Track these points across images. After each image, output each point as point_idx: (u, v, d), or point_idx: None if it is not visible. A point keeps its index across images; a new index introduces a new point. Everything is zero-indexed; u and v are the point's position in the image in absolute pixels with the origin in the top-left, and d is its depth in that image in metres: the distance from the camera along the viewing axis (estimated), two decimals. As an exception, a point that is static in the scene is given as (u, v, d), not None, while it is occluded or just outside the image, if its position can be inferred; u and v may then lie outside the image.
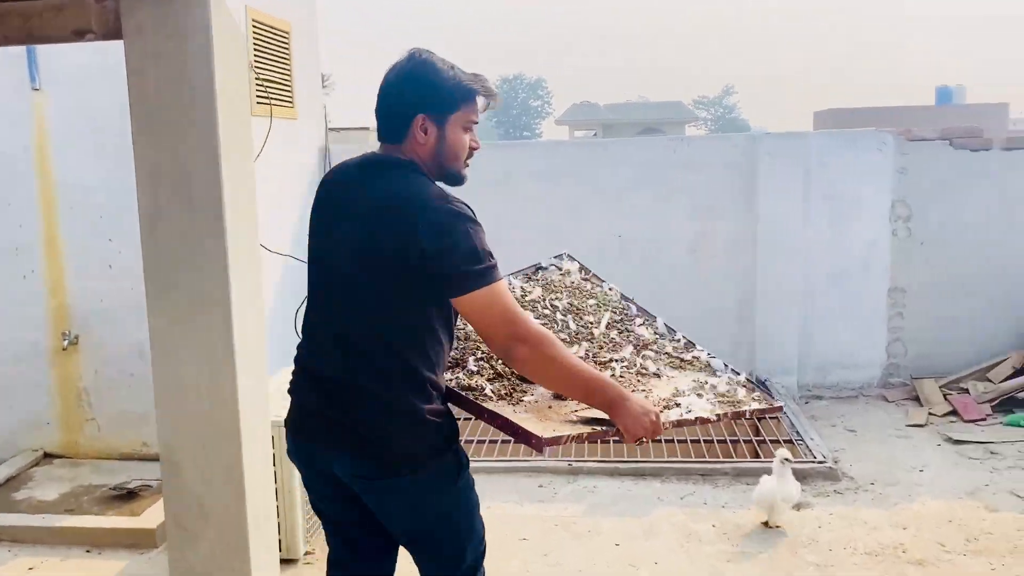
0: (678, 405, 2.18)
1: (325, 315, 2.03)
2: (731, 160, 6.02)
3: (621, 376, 2.29)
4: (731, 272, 6.16)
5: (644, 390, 2.24)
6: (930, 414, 5.59)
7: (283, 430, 2.16)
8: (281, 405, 2.25)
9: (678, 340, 2.61)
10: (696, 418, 2.15)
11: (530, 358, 1.91)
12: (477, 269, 1.89)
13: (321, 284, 2.04)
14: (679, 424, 2.13)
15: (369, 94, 2.09)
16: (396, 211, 1.90)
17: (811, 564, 3.61)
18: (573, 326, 2.49)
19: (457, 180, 2.10)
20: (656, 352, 2.50)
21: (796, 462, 4.58)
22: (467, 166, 2.11)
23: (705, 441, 5.10)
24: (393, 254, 1.88)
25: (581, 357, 2.18)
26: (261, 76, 4.90)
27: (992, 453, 4.90)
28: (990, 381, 5.90)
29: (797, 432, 5.10)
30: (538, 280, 2.78)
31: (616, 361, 2.35)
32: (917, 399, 5.90)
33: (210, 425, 2.44)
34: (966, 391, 5.84)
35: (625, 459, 4.75)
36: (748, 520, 4.08)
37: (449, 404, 2.06)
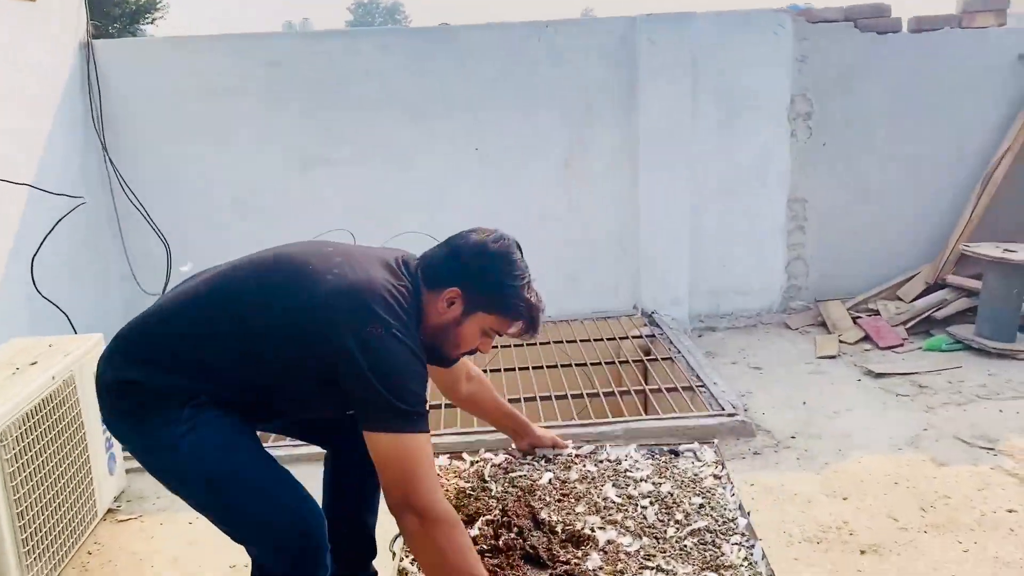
0: None
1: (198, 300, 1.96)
2: (607, 49, 4.96)
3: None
4: (610, 188, 5.18)
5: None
6: (841, 342, 4.84)
7: None
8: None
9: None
10: None
11: (416, 534, 1.79)
12: (397, 408, 1.75)
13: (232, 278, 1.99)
14: None
15: None
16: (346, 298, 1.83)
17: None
18: (650, 516, 2.29)
19: (441, 362, 2.08)
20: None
21: (702, 416, 3.69)
22: (457, 358, 2.10)
23: (589, 395, 4.14)
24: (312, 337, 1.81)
25: (631, 551, 2.10)
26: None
27: (922, 388, 4.17)
28: (901, 300, 5.20)
29: (697, 376, 4.21)
30: (659, 463, 2.61)
31: (663, 572, 2.06)
32: (823, 324, 5.16)
33: None
34: (876, 312, 5.12)
35: (488, 428, 3.73)
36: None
37: None
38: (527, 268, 1.98)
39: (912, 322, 4.95)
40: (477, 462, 2.63)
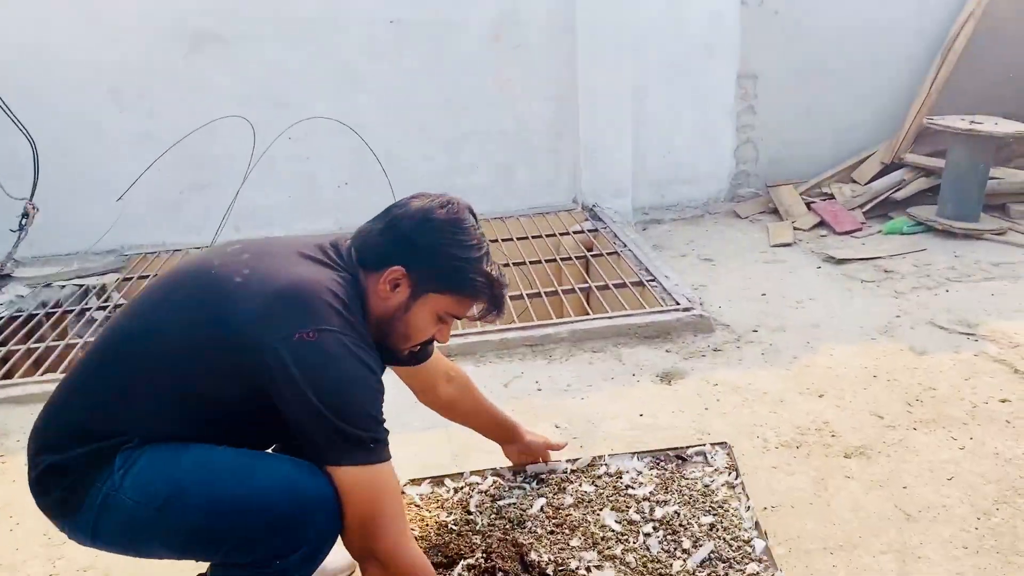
0: None
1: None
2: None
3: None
4: (544, 67, 4.64)
5: None
6: (795, 229, 4.49)
7: None
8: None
9: None
10: None
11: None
12: (348, 434, 1.45)
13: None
14: None
15: None
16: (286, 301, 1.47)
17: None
18: (654, 546, 2.00)
19: (388, 358, 1.67)
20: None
21: (655, 312, 3.29)
22: (413, 351, 1.74)
23: (530, 295, 3.70)
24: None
25: None
26: None
27: (887, 272, 3.84)
28: (856, 182, 4.86)
29: (647, 270, 3.80)
30: (665, 474, 2.30)
31: None
32: (774, 212, 4.79)
33: None
34: (830, 196, 4.77)
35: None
36: (603, 409, 2.77)
37: None
38: (484, 237, 1.66)
39: (869, 205, 4.61)
40: (462, 488, 2.33)
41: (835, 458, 2.43)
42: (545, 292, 3.64)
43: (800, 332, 3.27)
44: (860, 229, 4.40)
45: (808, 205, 4.70)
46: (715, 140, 4.90)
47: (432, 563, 1.87)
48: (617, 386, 2.93)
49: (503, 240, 4.35)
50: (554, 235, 4.41)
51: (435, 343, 1.83)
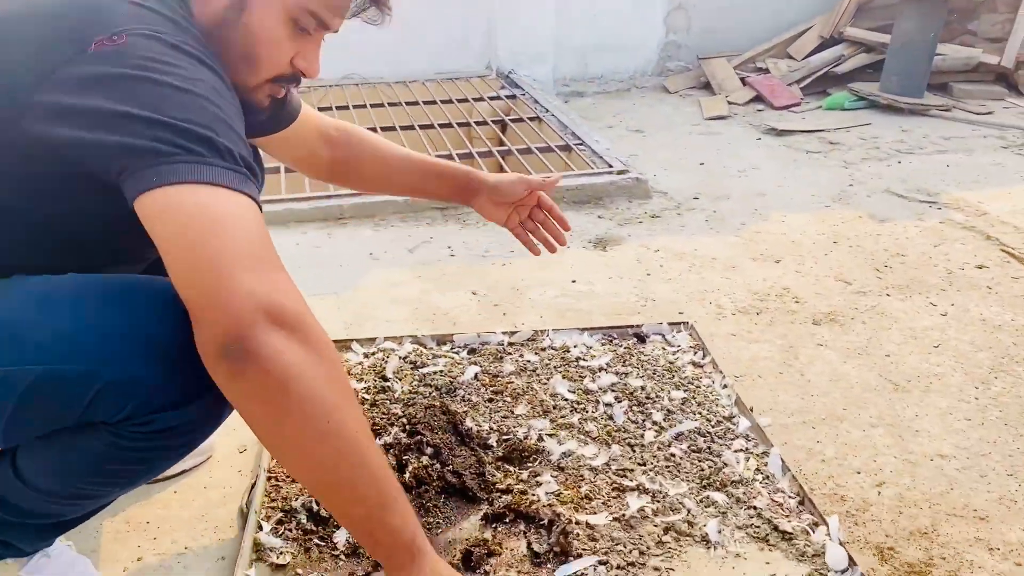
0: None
1: None
2: None
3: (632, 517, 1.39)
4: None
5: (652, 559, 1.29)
6: (730, 103, 4.09)
7: None
8: None
9: (791, 496, 1.45)
10: None
11: (259, 374, 0.82)
12: (180, 140, 0.85)
13: None
14: None
15: None
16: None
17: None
18: (619, 418, 1.64)
19: (261, 121, 1.24)
20: (732, 498, 1.44)
21: (586, 174, 2.85)
22: (271, 93, 1.11)
23: (440, 156, 3.17)
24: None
25: (597, 465, 1.51)
26: None
27: (833, 144, 3.50)
28: (792, 58, 4.48)
29: (574, 134, 3.34)
30: (620, 349, 1.89)
31: (647, 493, 1.45)
32: (707, 87, 4.39)
33: None
34: (765, 71, 4.39)
35: (309, 194, 2.75)
36: (530, 276, 2.33)
37: None
38: None
39: (807, 80, 4.25)
40: (374, 354, 1.86)
41: (803, 325, 2.06)
42: (458, 154, 3.14)
43: (745, 200, 2.89)
44: (798, 104, 4.04)
45: (743, 80, 4.31)
46: (644, 3, 4.42)
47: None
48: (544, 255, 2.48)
49: (407, 104, 3.79)
50: (467, 100, 3.88)
51: (301, 84, 1.20)
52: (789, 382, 1.82)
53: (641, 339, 1.96)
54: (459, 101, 3.86)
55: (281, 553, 1.34)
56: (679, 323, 2.00)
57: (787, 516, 1.41)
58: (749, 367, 1.87)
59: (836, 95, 4.05)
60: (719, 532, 1.38)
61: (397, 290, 2.25)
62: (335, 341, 1.92)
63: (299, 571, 1.31)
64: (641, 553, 1.34)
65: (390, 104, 3.77)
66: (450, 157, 3.11)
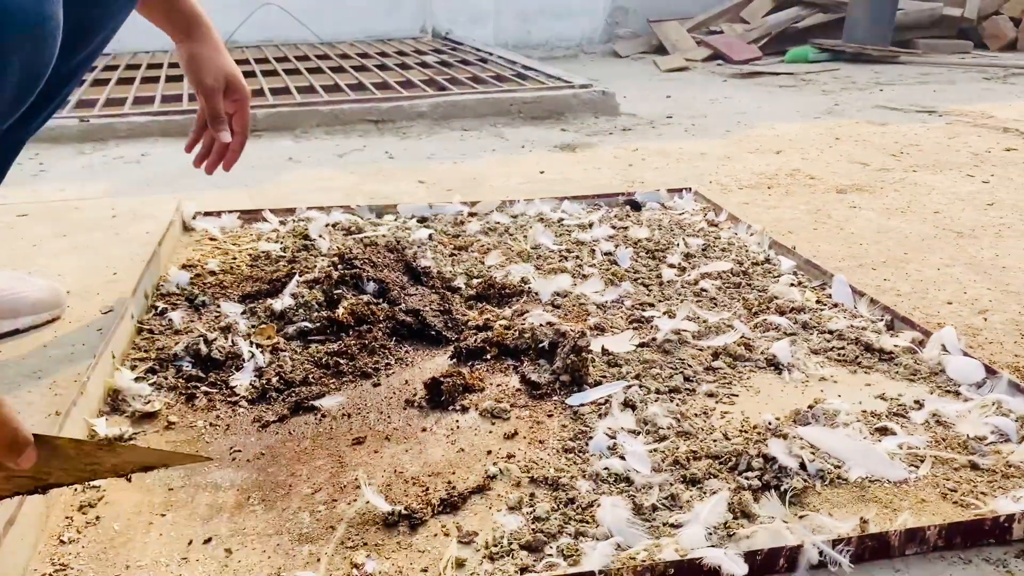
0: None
1: None
2: None
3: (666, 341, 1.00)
4: None
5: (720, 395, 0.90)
6: (688, 60, 3.79)
7: None
8: None
9: (873, 319, 1.06)
10: None
11: None
12: None
13: None
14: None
15: None
16: None
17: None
18: (625, 262, 1.25)
19: None
20: (798, 324, 1.06)
21: (546, 88, 2.48)
22: None
23: (376, 85, 2.77)
24: None
25: (603, 301, 1.12)
26: None
27: (805, 80, 3.21)
28: (745, 22, 4.23)
29: (525, 66, 2.97)
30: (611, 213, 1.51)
31: (692, 320, 1.05)
32: (660, 51, 4.09)
33: None
34: (719, 34, 4.12)
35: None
36: (487, 171, 1.92)
37: None
38: None
39: (764, 40, 3.99)
40: (297, 222, 1.44)
41: (826, 194, 1.69)
42: (396, 82, 2.72)
43: (725, 117, 2.54)
44: (759, 58, 3.76)
45: (698, 42, 4.03)
46: (589, -34, 4.14)
47: (247, 293, 1.11)
48: (502, 155, 2.08)
49: (332, 70, 3.37)
50: (402, 58, 3.49)
51: None
52: (828, 236, 1.44)
53: (635, 206, 1.56)
54: (396, 53, 3.46)
55: (148, 401, 0.88)
56: (679, 189, 1.62)
57: (878, 335, 1.01)
58: (774, 226, 1.48)
59: (798, 49, 3.79)
60: (791, 354, 0.96)
61: (326, 182, 1.81)
62: (241, 212, 1.48)
63: (172, 419, 0.85)
64: (687, 379, 0.92)
65: (310, 71, 3.34)
66: (385, 86, 2.70)
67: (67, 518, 0.70)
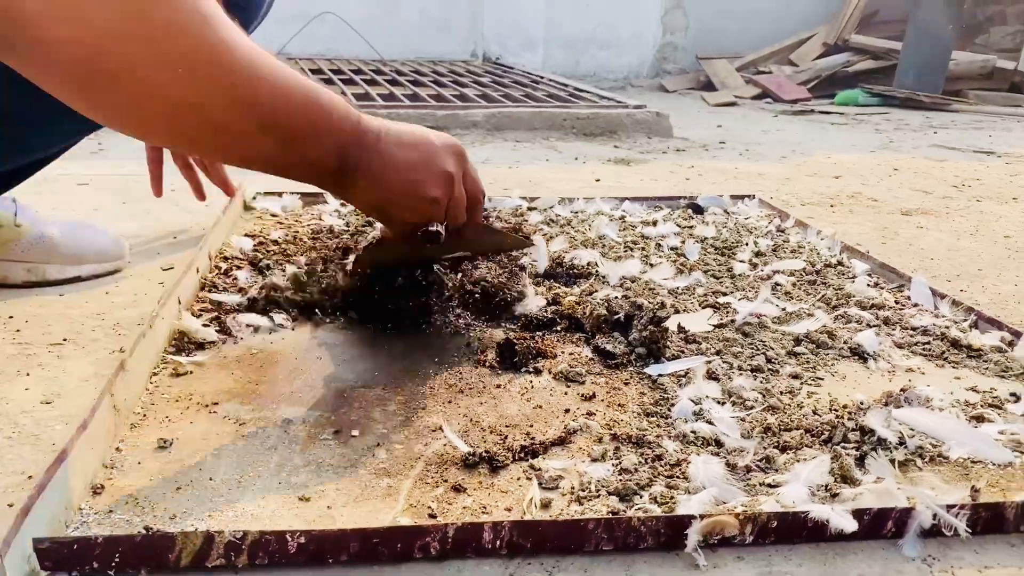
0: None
1: None
2: None
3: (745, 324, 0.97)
4: None
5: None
6: (737, 97, 3.79)
7: None
8: None
9: (957, 320, 1.02)
10: None
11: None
12: None
13: None
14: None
15: None
16: None
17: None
18: (694, 255, 1.23)
19: None
20: (880, 319, 1.02)
21: (599, 107, 2.48)
22: None
23: (431, 96, 2.78)
24: None
25: (675, 287, 1.09)
26: None
27: (858, 120, 3.19)
28: (794, 64, 4.24)
29: (578, 88, 2.98)
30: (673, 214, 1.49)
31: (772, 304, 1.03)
32: (707, 88, 4.09)
33: None
34: (768, 74, 4.13)
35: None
36: (542, 175, 1.91)
37: None
38: None
39: (813, 82, 3.98)
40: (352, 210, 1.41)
41: (891, 215, 1.66)
42: (452, 95, 2.74)
43: (780, 145, 2.53)
44: (809, 99, 3.75)
45: (746, 81, 4.03)
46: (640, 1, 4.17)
47: (311, 260, 1.08)
48: (556, 164, 2.07)
49: (391, 72, 3.41)
50: (456, 76, 3.52)
51: None
52: (898, 250, 1.41)
53: (698, 209, 1.54)
54: (450, 75, 3.49)
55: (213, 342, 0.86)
56: (743, 196, 1.59)
57: (964, 333, 0.97)
58: (842, 240, 1.45)
59: (848, 92, 3.77)
60: (879, 344, 0.93)
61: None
62: (302, 194, 1.48)
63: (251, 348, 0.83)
64: (768, 360, 0.88)
65: (366, 82, 3.38)
66: (442, 99, 2.71)
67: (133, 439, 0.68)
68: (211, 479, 0.63)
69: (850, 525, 0.57)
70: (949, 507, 0.60)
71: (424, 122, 2.32)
